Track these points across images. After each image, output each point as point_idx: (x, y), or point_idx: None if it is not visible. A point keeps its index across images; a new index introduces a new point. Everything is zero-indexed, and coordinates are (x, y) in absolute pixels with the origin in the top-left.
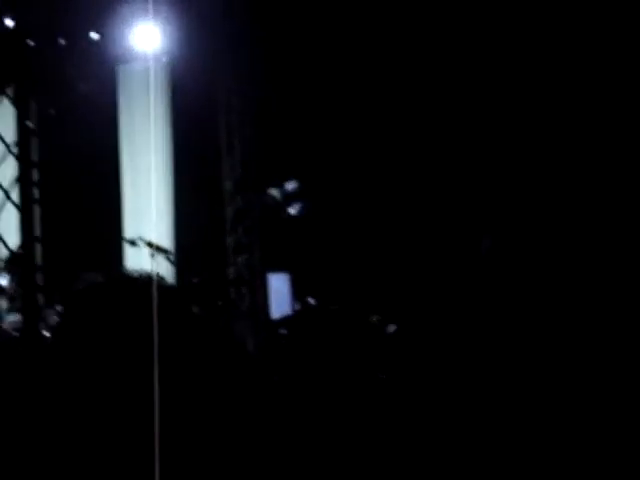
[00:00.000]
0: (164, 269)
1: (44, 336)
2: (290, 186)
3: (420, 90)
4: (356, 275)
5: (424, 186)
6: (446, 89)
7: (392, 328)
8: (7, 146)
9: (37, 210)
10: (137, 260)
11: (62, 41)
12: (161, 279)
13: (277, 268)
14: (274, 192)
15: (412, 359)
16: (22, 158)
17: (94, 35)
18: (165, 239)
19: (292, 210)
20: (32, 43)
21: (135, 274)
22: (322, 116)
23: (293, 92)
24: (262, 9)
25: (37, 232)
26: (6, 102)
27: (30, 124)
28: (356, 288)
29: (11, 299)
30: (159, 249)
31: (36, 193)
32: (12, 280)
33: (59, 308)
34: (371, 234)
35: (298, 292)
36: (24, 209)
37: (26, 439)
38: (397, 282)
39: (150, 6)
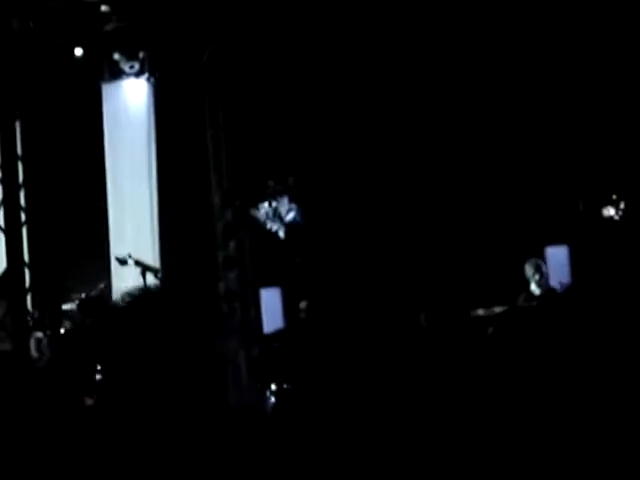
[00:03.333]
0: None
1: (34, 358)
2: (280, 199)
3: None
4: (348, 287)
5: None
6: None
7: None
8: None
9: (24, 233)
10: (125, 279)
11: (46, 61)
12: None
13: (268, 282)
14: (263, 206)
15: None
16: (7, 181)
17: (78, 52)
18: (154, 257)
19: (282, 224)
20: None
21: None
22: (310, 129)
23: (280, 106)
24: (246, 25)
25: (24, 255)
26: None
27: (15, 147)
28: (348, 300)
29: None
30: (148, 268)
31: (22, 216)
32: None
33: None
34: (363, 246)
35: (290, 306)
36: (10, 232)
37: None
38: (388, 293)
39: (134, 24)
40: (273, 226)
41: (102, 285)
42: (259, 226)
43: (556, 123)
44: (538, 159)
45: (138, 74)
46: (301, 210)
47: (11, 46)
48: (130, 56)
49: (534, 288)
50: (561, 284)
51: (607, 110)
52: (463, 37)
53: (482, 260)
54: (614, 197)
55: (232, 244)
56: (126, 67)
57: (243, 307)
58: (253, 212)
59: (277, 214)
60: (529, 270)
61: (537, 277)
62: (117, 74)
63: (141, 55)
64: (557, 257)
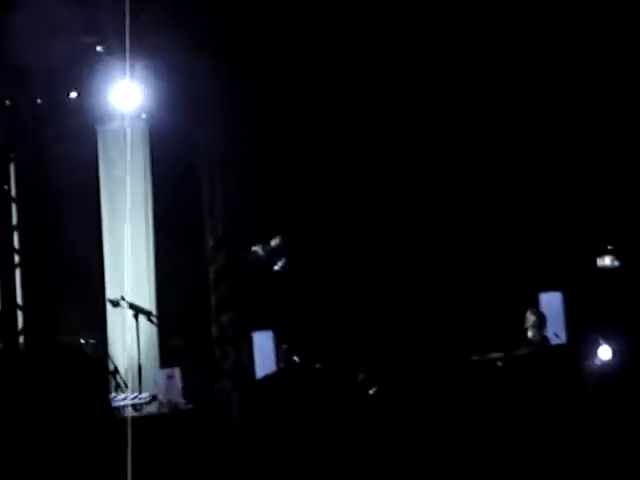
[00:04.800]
0: (147, 330)
1: None
2: (273, 243)
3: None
4: (340, 333)
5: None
6: None
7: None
8: None
9: (17, 275)
10: (119, 322)
11: (40, 101)
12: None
13: (261, 326)
14: (257, 249)
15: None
16: (1, 223)
17: (73, 95)
18: (147, 299)
19: (275, 267)
20: (8, 103)
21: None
22: (304, 174)
23: (274, 151)
24: (243, 67)
25: (18, 297)
26: None
27: (8, 188)
28: (340, 346)
29: None
30: (141, 310)
31: (16, 258)
32: None
33: None
34: (356, 292)
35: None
36: (3, 274)
37: None
38: (379, 340)
39: (128, 65)
40: (273, 265)
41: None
42: (252, 269)
43: (555, 171)
44: (535, 208)
45: (133, 114)
46: (291, 249)
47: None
48: (125, 95)
49: (532, 335)
50: (556, 335)
51: (606, 160)
52: (467, 60)
53: (477, 306)
54: (609, 247)
55: (225, 287)
56: (121, 108)
57: (236, 351)
58: (248, 256)
59: (271, 252)
60: (530, 317)
61: (536, 325)
62: (112, 115)
63: (136, 95)
64: (551, 303)
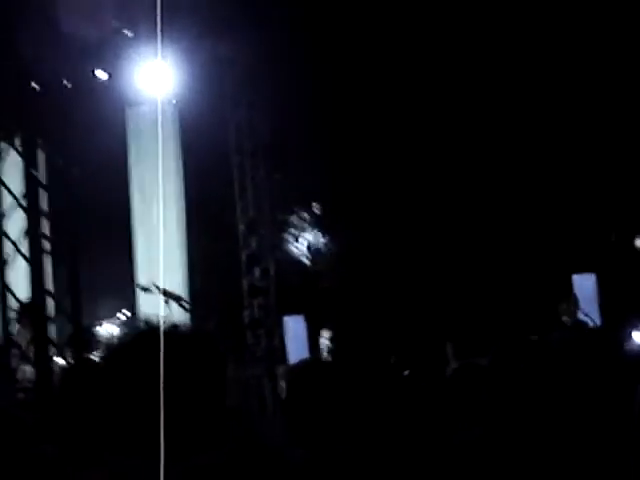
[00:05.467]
0: (178, 315)
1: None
2: (305, 227)
3: None
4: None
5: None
6: None
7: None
8: (15, 198)
9: (49, 262)
10: (151, 308)
11: (69, 85)
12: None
13: (293, 310)
14: (289, 233)
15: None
16: (30, 210)
17: (102, 76)
18: (179, 285)
19: (308, 252)
20: (38, 88)
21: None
22: (336, 155)
23: (306, 132)
24: (274, 50)
25: (49, 283)
26: (13, 153)
27: (38, 174)
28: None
29: (22, 351)
30: (173, 296)
31: (47, 245)
32: (19, 332)
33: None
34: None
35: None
36: (33, 261)
37: None
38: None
39: (159, 47)
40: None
41: (121, 316)
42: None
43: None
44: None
45: (164, 97)
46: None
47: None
48: (156, 79)
49: (566, 319)
50: (587, 316)
51: None
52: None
53: (510, 290)
54: None
55: (257, 272)
56: (151, 90)
57: (268, 335)
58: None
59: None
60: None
61: (571, 309)
62: (142, 97)
63: (167, 78)
64: (584, 285)
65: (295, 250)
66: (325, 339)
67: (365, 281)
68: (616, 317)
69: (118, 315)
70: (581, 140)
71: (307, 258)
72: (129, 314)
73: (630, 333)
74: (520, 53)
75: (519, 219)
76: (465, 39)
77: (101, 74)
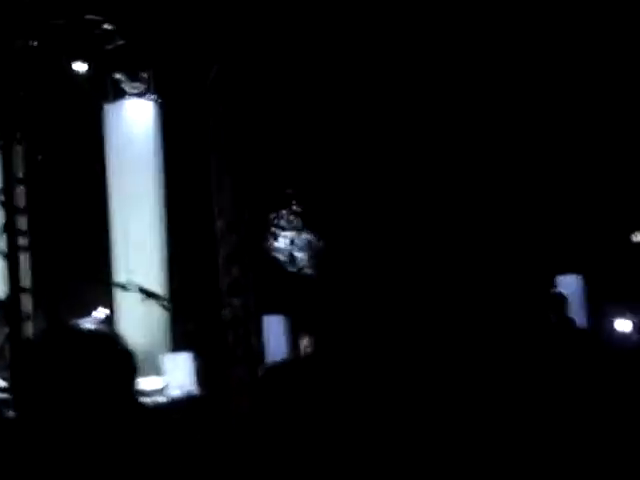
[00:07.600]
0: (155, 313)
1: None
2: (282, 224)
3: None
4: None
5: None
6: None
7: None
8: None
9: (26, 258)
10: (129, 306)
11: (49, 81)
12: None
13: (272, 310)
14: (269, 231)
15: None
16: (8, 206)
17: (80, 69)
18: (158, 283)
19: (287, 249)
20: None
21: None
22: (313, 152)
23: (283, 130)
24: (249, 46)
25: (26, 280)
26: None
27: (16, 171)
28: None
29: None
30: (151, 294)
31: (24, 241)
32: None
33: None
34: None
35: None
36: (10, 258)
37: None
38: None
39: (138, 42)
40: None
41: (98, 314)
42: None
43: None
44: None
45: (141, 94)
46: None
47: (13, 66)
48: (133, 75)
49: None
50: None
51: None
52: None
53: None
54: None
55: (235, 270)
56: (129, 87)
57: (245, 335)
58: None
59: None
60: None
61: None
62: (120, 94)
63: (145, 75)
64: (570, 285)
65: (275, 248)
66: (304, 339)
67: (346, 279)
68: (601, 312)
69: (94, 313)
70: (575, 139)
71: (287, 256)
72: (107, 312)
73: (612, 323)
74: (520, 53)
75: (507, 219)
76: (463, 38)
77: (80, 67)
